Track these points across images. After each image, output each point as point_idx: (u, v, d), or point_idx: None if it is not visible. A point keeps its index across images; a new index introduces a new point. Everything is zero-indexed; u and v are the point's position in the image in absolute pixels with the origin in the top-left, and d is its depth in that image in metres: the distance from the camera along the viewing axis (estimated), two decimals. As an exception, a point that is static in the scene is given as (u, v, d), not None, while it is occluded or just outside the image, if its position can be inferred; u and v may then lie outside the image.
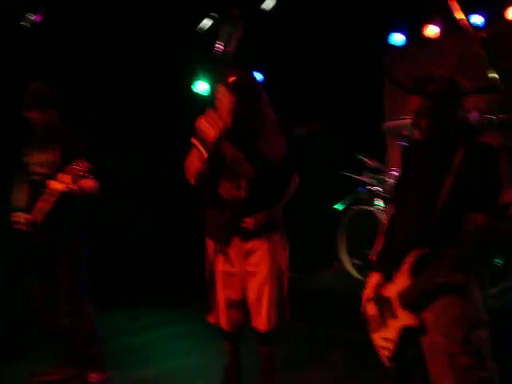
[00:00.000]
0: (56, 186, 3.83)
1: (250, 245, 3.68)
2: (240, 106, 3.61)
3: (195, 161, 3.70)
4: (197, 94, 7.56)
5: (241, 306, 3.75)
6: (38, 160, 4.08)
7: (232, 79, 3.78)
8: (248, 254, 3.69)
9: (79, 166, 3.79)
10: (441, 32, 6.76)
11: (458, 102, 2.81)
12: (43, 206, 3.88)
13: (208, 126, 3.68)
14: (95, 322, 4.32)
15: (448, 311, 2.66)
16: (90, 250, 4.26)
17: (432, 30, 6.79)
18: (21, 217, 3.97)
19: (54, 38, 5.87)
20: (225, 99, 3.68)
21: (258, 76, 7.89)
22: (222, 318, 3.76)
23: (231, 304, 3.74)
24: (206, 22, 6.80)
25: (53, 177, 3.88)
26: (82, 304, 4.20)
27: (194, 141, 3.68)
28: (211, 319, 3.84)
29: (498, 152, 2.75)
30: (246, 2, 6.53)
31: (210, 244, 3.80)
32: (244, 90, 3.68)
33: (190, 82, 7.53)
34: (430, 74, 2.93)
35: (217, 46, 6.56)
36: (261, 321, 3.67)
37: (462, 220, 2.61)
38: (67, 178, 3.80)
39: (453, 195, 2.67)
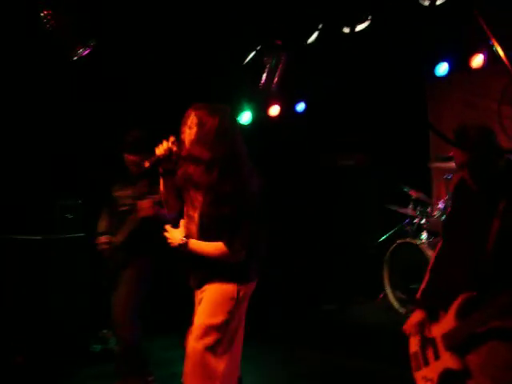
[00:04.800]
0: (141, 209, 4.28)
1: (201, 292, 3.23)
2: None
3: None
4: (241, 125, 7.66)
5: None
6: (127, 194, 4.49)
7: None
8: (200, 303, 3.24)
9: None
10: (484, 62, 6.70)
11: (495, 149, 2.78)
12: (125, 230, 4.40)
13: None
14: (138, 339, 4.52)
15: (497, 355, 2.58)
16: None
17: (476, 60, 6.74)
18: (103, 239, 4.52)
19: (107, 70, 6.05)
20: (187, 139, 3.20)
21: (301, 106, 7.97)
22: None
23: None
24: (250, 54, 6.87)
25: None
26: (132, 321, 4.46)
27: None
28: None
29: None
30: (289, 33, 6.59)
31: None
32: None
33: (234, 113, 7.64)
34: (464, 126, 2.89)
35: (261, 77, 6.62)
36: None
37: None
38: (146, 204, 4.23)
39: (500, 241, 2.63)
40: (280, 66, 6.52)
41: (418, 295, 3.00)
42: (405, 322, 3.01)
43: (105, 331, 5.81)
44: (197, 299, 3.27)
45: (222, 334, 3.06)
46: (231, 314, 3.09)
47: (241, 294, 3.13)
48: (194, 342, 3.05)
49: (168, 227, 3.23)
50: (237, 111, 7.67)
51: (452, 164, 5.74)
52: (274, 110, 7.85)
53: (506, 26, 5.29)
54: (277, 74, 6.58)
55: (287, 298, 6.74)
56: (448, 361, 2.69)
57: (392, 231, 6.67)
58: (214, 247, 3.11)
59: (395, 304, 5.99)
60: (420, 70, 7.07)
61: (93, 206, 5.62)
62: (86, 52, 5.33)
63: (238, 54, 6.84)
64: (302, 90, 7.74)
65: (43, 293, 5.35)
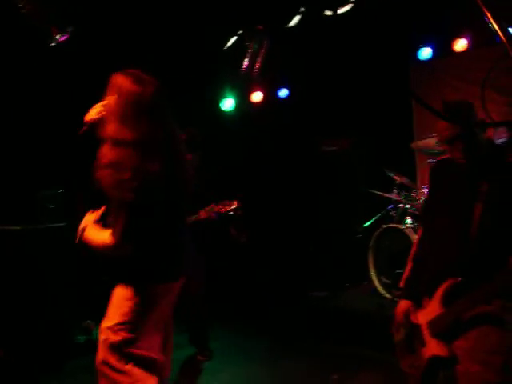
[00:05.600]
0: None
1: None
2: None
3: None
4: (224, 112, 7.59)
5: None
6: None
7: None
8: None
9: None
10: (468, 46, 6.69)
11: (479, 123, 2.80)
12: None
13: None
14: None
15: (485, 339, 2.56)
16: None
17: (460, 44, 6.73)
18: None
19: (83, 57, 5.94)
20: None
21: (284, 92, 7.92)
22: None
23: None
24: (231, 39, 6.79)
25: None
26: None
27: None
28: None
29: None
30: (270, 18, 6.52)
31: None
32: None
33: (217, 100, 7.57)
34: (454, 101, 2.87)
35: (243, 63, 6.54)
36: None
37: (498, 249, 2.55)
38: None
39: (484, 225, 2.59)
40: (262, 50, 6.44)
41: (402, 284, 2.97)
42: (391, 309, 2.98)
43: (88, 322, 5.75)
44: None
45: (124, 336, 2.83)
46: (131, 316, 2.82)
47: (142, 296, 2.83)
48: (101, 349, 2.89)
49: (90, 211, 2.97)
50: (219, 98, 7.62)
51: (434, 142, 5.68)
52: (257, 97, 7.79)
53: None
54: (259, 59, 6.51)
55: (275, 285, 6.74)
56: (435, 348, 2.67)
57: (377, 216, 6.66)
58: (99, 237, 2.82)
59: (381, 289, 5.99)
60: (404, 53, 7.04)
61: (74, 196, 5.57)
62: (64, 38, 5.23)
63: (219, 39, 6.77)
64: (284, 75, 7.68)
65: (24, 284, 5.27)
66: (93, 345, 5.58)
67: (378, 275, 6.06)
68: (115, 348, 2.83)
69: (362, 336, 5.29)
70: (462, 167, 2.76)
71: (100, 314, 5.58)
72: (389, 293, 5.85)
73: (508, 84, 5.59)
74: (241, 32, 6.60)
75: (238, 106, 7.70)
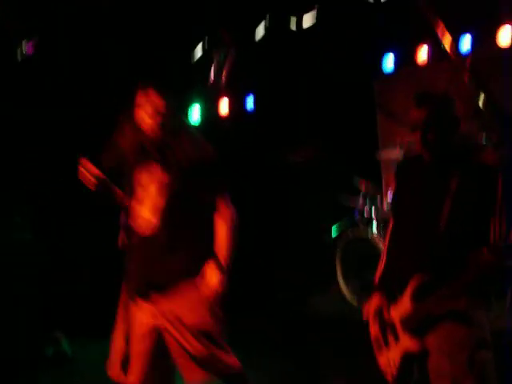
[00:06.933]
0: None
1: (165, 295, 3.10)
2: None
3: None
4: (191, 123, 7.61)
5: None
6: None
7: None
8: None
9: None
10: (429, 57, 6.85)
11: (458, 119, 2.75)
12: None
13: None
14: None
15: (452, 334, 2.64)
16: None
17: (421, 56, 6.89)
18: None
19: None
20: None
21: (250, 103, 7.98)
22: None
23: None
24: (197, 50, 6.83)
25: None
26: None
27: None
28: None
29: (498, 174, 2.64)
30: (237, 28, 6.59)
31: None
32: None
33: (183, 112, 7.58)
34: (430, 90, 2.85)
35: (209, 74, 6.60)
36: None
37: (466, 246, 2.61)
38: None
39: (452, 220, 2.65)
40: (228, 61, 6.51)
41: (375, 278, 3.02)
42: (362, 310, 3.00)
43: (57, 333, 5.69)
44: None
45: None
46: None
47: None
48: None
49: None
50: (186, 109, 7.64)
51: (399, 153, 5.82)
52: (224, 107, 7.82)
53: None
54: (225, 70, 6.57)
55: (242, 290, 6.74)
56: (407, 343, 2.73)
57: (342, 223, 6.75)
58: (229, 227, 3.26)
59: (348, 295, 6.08)
60: (368, 65, 7.17)
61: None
62: (30, 47, 5.22)
63: (185, 50, 6.80)
64: (250, 85, 7.75)
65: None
66: (61, 356, 5.55)
67: (346, 281, 6.15)
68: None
69: (331, 340, 5.33)
70: (430, 164, 2.78)
71: (69, 324, 5.54)
72: (355, 299, 5.94)
73: (466, 95, 5.76)
74: (207, 43, 6.65)
75: (205, 118, 7.73)
